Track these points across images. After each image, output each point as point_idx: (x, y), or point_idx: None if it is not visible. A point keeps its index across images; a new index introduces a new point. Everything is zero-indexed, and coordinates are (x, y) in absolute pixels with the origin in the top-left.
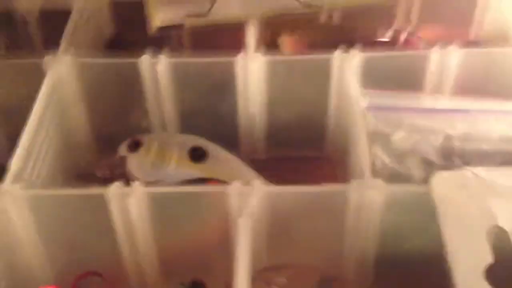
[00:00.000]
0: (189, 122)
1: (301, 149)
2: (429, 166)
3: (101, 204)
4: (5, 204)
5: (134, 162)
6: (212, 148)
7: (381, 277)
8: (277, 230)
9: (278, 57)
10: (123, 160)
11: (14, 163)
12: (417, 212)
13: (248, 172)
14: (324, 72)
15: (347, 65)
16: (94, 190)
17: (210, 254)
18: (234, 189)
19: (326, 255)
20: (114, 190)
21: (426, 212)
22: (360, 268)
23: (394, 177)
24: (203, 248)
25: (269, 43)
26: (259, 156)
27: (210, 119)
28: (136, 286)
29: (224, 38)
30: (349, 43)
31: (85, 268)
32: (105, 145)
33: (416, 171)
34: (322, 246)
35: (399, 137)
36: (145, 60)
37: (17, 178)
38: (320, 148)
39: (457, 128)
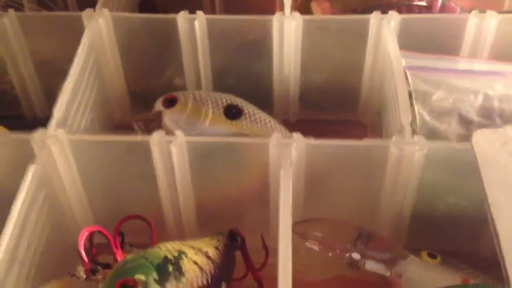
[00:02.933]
0: (223, 82)
1: (334, 111)
2: (468, 125)
3: (144, 151)
4: (50, 148)
5: (170, 118)
6: (247, 107)
7: (415, 233)
8: (314, 184)
9: (315, 17)
10: (158, 115)
11: (58, 110)
12: (455, 169)
13: (282, 130)
14: (360, 34)
15: (385, 26)
16: (138, 137)
17: (247, 205)
18: (274, 140)
19: (362, 210)
20: (158, 137)
21: (464, 170)
22: (396, 224)
23: (433, 134)
24: (241, 199)
25: (301, 8)
26: (291, 117)
27: (244, 79)
28: (174, 234)
29: (256, 1)
30: (385, 9)
31: (125, 214)
32: (140, 100)
33: (455, 129)
34: (359, 202)
35: (439, 96)
36: (182, 16)
37: (61, 124)
38: (352, 111)
39: (496, 89)
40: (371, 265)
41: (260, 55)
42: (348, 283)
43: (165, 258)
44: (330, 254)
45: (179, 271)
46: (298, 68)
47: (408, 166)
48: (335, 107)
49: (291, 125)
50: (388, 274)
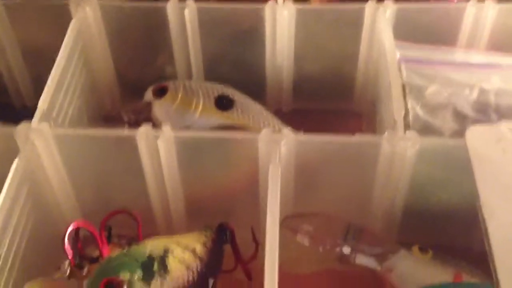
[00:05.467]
0: (215, 71)
1: (328, 102)
2: (462, 120)
3: (130, 146)
4: (34, 142)
5: (160, 108)
6: (239, 97)
7: (407, 228)
8: (305, 179)
9: (309, 6)
10: (148, 105)
11: (42, 102)
12: (448, 165)
13: (274, 121)
14: (355, 23)
15: (380, 16)
16: (124, 132)
17: (237, 200)
18: (263, 136)
19: (353, 205)
20: (144, 132)
21: (457, 166)
22: (387, 219)
23: (426, 129)
24: (230, 194)
25: None
26: (284, 107)
27: (236, 69)
28: (162, 227)
29: None
30: None
31: (113, 207)
32: (129, 90)
33: (449, 124)
34: (350, 197)
35: (433, 90)
36: (172, 4)
37: (46, 117)
38: (346, 102)
39: (492, 82)
40: (361, 259)
41: (253, 45)
42: (338, 277)
43: (151, 255)
44: (321, 249)
45: (164, 269)
46: (292, 58)
47: (400, 162)
48: (330, 97)
49: (285, 115)
50: (379, 268)
